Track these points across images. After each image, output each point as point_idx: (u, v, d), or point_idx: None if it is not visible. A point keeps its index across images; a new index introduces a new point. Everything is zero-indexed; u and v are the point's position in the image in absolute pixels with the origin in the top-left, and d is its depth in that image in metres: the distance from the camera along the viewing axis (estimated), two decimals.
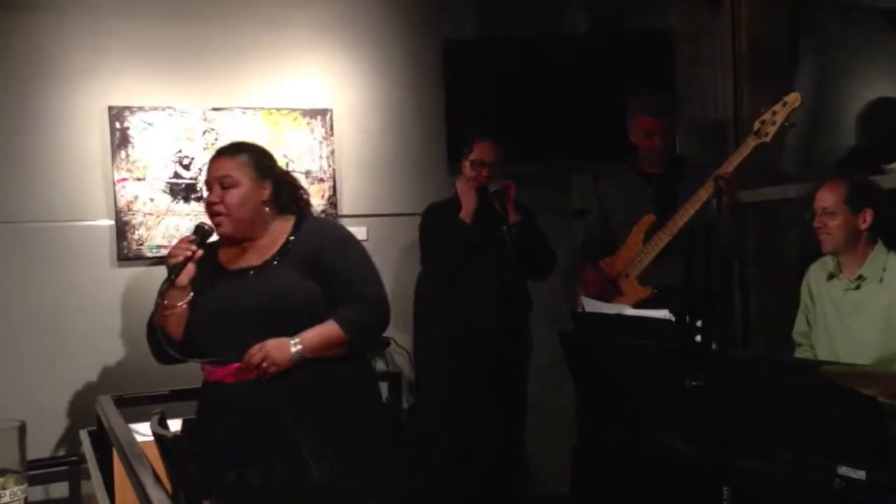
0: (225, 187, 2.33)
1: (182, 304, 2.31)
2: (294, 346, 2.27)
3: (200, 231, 2.33)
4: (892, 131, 3.59)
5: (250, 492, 2.24)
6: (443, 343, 3.45)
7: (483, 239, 3.25)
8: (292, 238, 2.39)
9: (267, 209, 2.39)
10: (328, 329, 2.31)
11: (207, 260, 2.37)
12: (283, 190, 2.44)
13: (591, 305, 3.16)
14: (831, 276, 2.79)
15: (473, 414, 3.49)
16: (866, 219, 2.66)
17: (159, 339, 2.31)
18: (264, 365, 2.25)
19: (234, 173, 2.34)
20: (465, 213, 3.29)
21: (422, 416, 3.65)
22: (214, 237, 2.42)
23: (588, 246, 3.58)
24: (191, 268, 2.28)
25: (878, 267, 2.65)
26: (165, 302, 2.29)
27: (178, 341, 2.33)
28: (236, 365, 2.28)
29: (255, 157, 2.40)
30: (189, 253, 2.27)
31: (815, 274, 2.86)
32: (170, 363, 2.42)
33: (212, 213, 2.36)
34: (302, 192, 2.51)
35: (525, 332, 3.46)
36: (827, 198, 2.69)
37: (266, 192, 2.38)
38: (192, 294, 2.32)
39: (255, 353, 2.25)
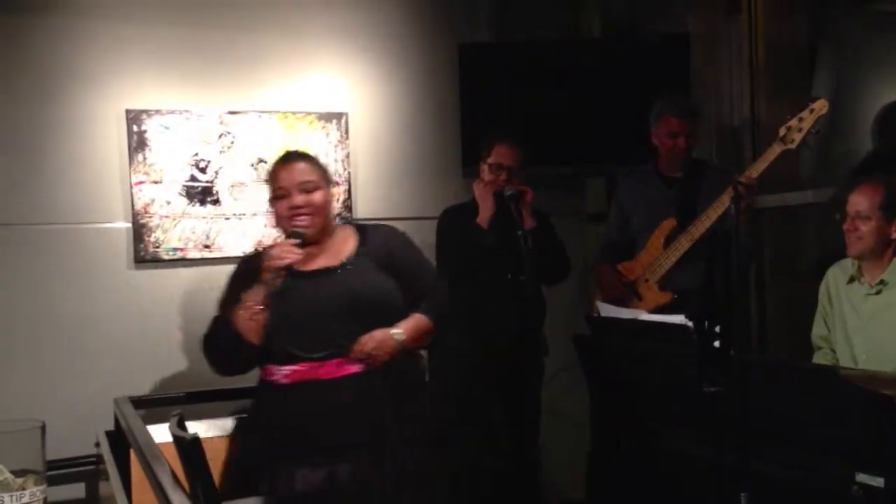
0: (308, 191, 2.41)
1: (262, 307, 2.32)
2: (396, 336, 2.36)
3: (300, 236, 2.38)
4: None
5: (336, 486, 2.27)
6: (457, 347, 3.45)
7: (499, 244, 3.24)
8: (363, 239, 2.49)
9: (334, 214, 2.52)
10: (420, 321, 2.43)
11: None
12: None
13: (607, 310, 3.16)
14: (851, 280, 2.77)
15: (488, 418, 3.48)
16: None
17: (232, 348, 2.34)
18: (375, 353, 2.32)
19: (314, 177, 2.43)
20: (482, 217, 3.28)
21: (436, 421, 3.65)
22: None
23: (607, 250, 3.57)
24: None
25: None
26: (251, 304, 2.30)
27: (254, 347, 2.34)
28: (334, 361, 2.31)
29: (323, 166, 2.53)
30: (295, 256, 2.32)
31: (835, 277, 2.84)
32: (236, 373, 2.46)
33: (292, 217, 2.40)
34: None
35: (540, 336, 3.45)
36: (861, 202, 2.67)
37: (333, 198, 2.53)
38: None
39: (367, 341, 2.31)
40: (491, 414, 3.47)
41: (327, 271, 2.41)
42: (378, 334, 2.33)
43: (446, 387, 3.57)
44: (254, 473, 2.36)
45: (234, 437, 2.64)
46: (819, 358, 2.88)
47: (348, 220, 2.60)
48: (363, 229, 2.53)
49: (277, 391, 2.37)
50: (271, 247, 2.48)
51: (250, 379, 3.62)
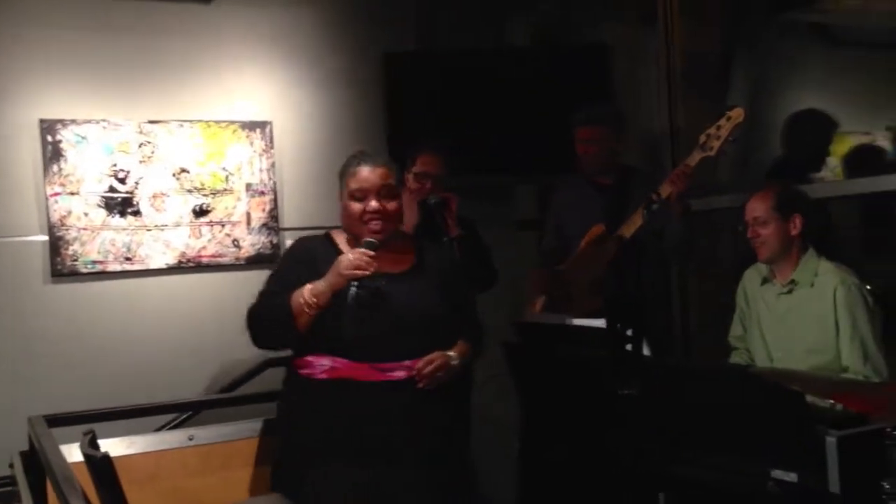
0: (386, 197, 2.39)
1: (322, 305, 2.30)
2: (453, 360, 2.38)
3: (374, 246, 2.34)
4: (818, 142, 3.70)
5: (371, 489, 2.26)
6: None
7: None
8: (422, 253, 2.49)
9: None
10: (468, 349, 2.45)
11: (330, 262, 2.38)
12: None
13: (535, 316, 3.19)
14: (765, 281, 2.86)
15: None
16: (796, 224, 2.74)
17: (285, 330, 2.31)
18: (438, 374, 2.32)
19: (392, 182, 2.42)
20: (407, 226, 3.27)
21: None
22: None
23: (545, 256, 3.61)
24: None
25: (810, 272, 2.73)
26: (315, 300, 2.28)
27: (300, 333, 2.33)
28: (378, 364, 2.29)
29: (395, 172, 2.50)
30: (370, 269, 2.29)
31: (750, 279, 2.93)
32: (274, 349, 2.52)
33: (367, 221, 2.37)
34: None
35: None
36: (757, 207, 2.77)
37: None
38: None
39: (434, 360, 2.32)
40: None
41: (389, 278, 2.39)
42: (439, 358, 2.34)
43: None
44: (295, 471, 2.35)
45: (266, 435, 2.68)
46: (735, 357, 2.96)
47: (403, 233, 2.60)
48: (419, 245, 2.54)
49: (314, 386, 2.34)
50: (324, 231, 2.53)
51: (169, 394, 3.56)
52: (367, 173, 2.40)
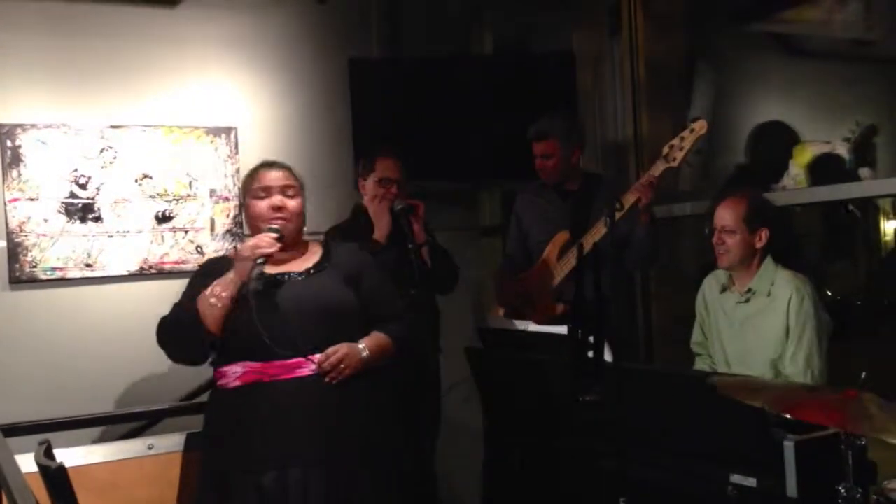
0: (288, 196, 2.49)
1: (229, 295, 2.35)
2: (363, 351, 2.39)
3: (278, 231, 2.42)
4: (779, 154, 3.77)
5: (289, 490, 2.25)
6: None
7: (396, 259, 3.21)
8: (329, 253, 2.54)
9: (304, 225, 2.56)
10: (384, 341, 2.48)
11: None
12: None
13: (498, 322, 3.19)
14: (724, 289, 2.89)
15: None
16: (762, 237, 2.76)
17: (190, 332, 2.36)
18: (342, 366, 2.33)
19: (295, 184, 2.53)
20: (380, 234, 3.22)
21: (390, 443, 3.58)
22: None
23: (508, 262, 3.61)
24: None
25: (767, 281, 2.75)
26: (223, 293, 2.33)
27: (216, 338, 2.36)
28: (287, 362, 2.30)
29: (301, 178, 2.60)
30: (273, 247, 2.36)
31: (710, 286, 2.96)
32: (188, 361, 2.50)
33: (271, 218, 2.45)
34: None
35: (435, 349, 3.45)
36: (726, 216, 2.78)
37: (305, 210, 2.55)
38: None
39: (334, 353, 2.33)
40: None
41: (292, 276, 2.45)
42: (345, 348, 2.35)
43: None
44: (209, 484, 2.37)
45: (188, 451, 2.67)
46: (699, 364, 2.98)
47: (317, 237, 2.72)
48: (329, 244, 2.62)
49: (228, 395, 2.36)
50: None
51: (129, 403, 3.52)
52: (270, 172, 2.54)
